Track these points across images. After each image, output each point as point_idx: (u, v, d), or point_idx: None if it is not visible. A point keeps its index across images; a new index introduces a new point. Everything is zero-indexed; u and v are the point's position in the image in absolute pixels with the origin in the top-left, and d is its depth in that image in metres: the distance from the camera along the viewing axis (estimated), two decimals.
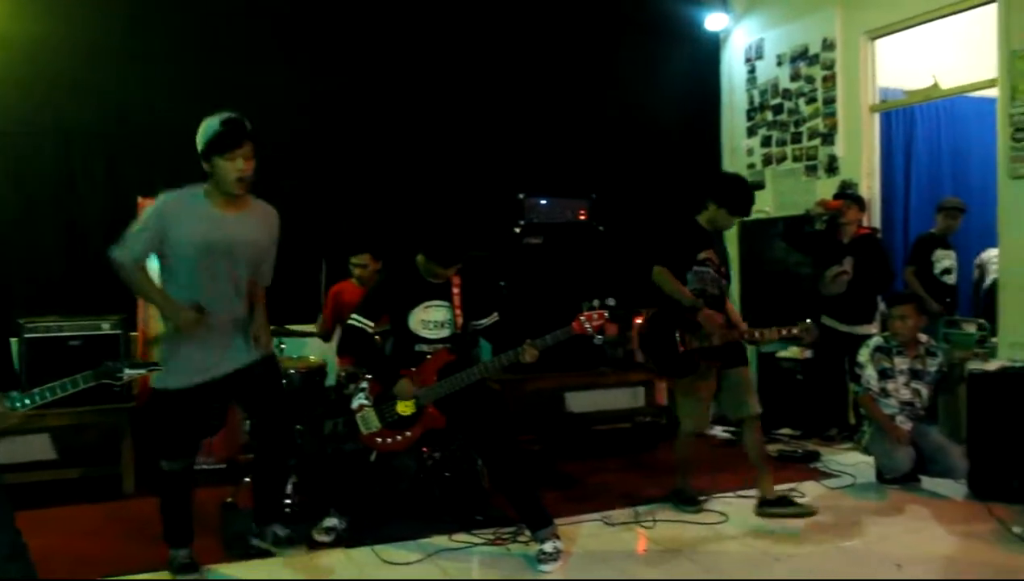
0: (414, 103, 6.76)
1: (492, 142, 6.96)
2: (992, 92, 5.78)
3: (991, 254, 6.94)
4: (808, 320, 4.67)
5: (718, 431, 6.40)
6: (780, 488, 4.94)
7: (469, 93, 6.94)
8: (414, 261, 4.25)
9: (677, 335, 4.66)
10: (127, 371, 3.03)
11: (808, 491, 5.13)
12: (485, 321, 4.38)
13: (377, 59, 6.66)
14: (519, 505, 4.21)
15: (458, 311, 4.25)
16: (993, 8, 5.63)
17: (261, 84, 6.16)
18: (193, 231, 3.67)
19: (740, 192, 4.76)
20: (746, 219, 7.11)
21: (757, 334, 4.71)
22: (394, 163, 6.66)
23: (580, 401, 6.40)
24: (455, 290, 4.26)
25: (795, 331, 4.64)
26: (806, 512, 4.62)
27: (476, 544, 4.33)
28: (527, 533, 4.22)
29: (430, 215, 5.67)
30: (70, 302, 5.58)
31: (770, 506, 4.69)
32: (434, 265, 4.15)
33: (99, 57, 5.89)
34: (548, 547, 4.05)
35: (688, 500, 4.85)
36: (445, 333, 4.26)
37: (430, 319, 4.24)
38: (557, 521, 4.28)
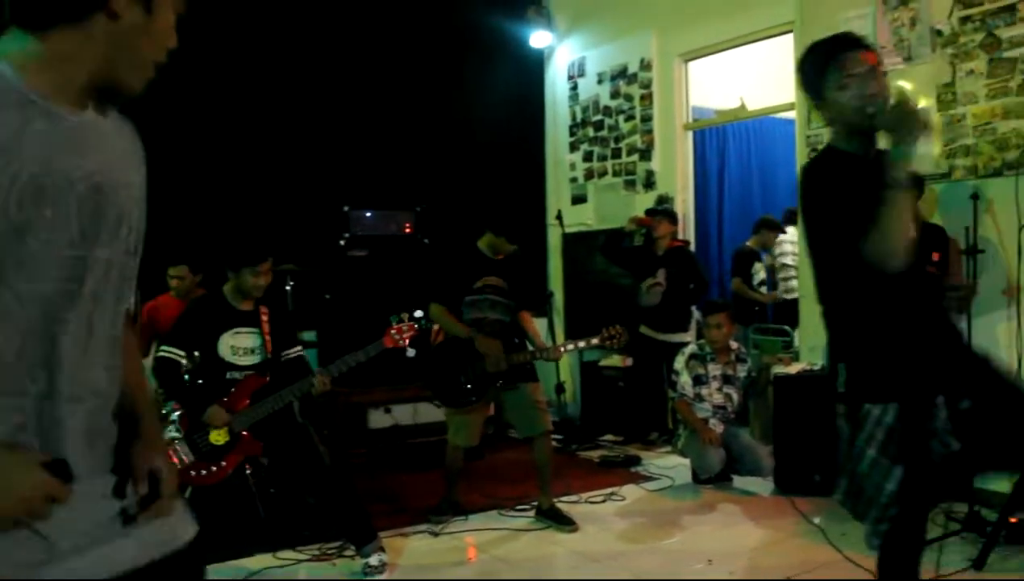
0: (236, 112, 6.56)
1: (317, 154, 6.86)
2: (793, 113, 6.17)
3: (783, 237, 7.43)
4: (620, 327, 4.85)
5: None
6: (602, 492, 5.18)
7: (293, 104, 6.80)
8: (220, 290, 4.25)
9: (462, 367, 4.72)
10: None
11: (628, 494, 5.31)
12: (289, 353, 4.40)
13: (198, 64, 6.41)
14: (342, 524, 4.20)
15: (267, 338, 4.24)
16: (791, 37, 6.01)
17: None
18: None
19: (509, 217, 4.92)
20: (568, 231, 7.36)
21: (542, 352, 4.84)
22: (215, 173, 6.44)
23: (403, 414, 6.38)
24: (264, 317, 4.26)
25: (581, 345, 4.85)
26: (569, 527, 4.71)
27: (301, 560, 4.26)
28: (353, 548, 4.18)
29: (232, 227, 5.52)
30: None
31: (544, 516, 4.83)
32: (245, 273, 4.11)
33: None
34: (374, 560, 4.03)
35: (443, 512, 4.91)
36: (256, 359, 4.24)
37: (240, 346, 4.21)
38: (383, 533, 4.28)
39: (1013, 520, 4.19)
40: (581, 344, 4.87)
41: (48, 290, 1.35)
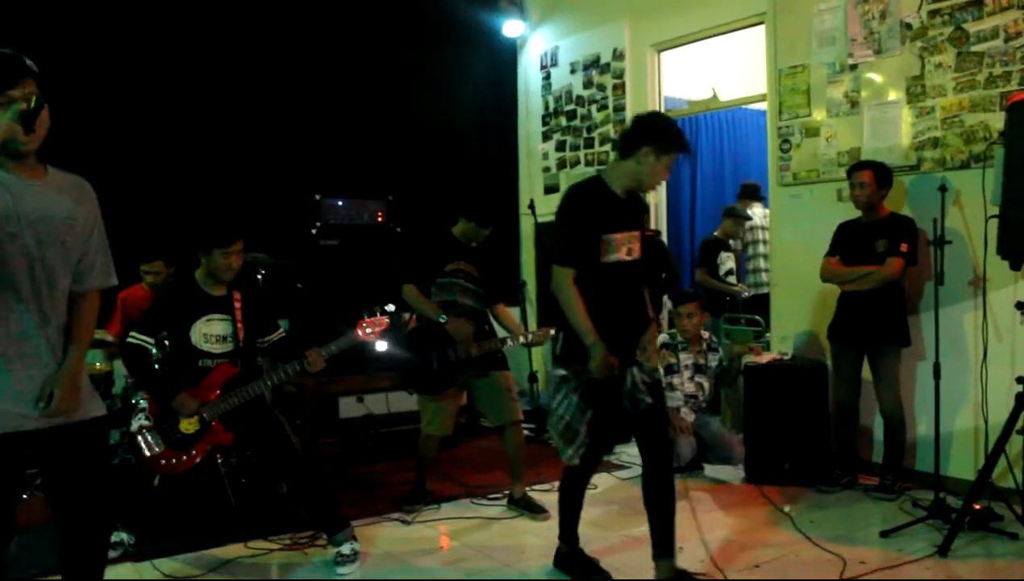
0: (207, 102, 6.49)
1: (288, 143, 6.79)
2: (765, 105, 6.21)
3: (754, 225, 7.48)
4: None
5: None
6: None
7: (264, 93, 6.74)
8: (192, 275, 4.20)
9: (432, 353, 4.73)
10: None
11: (601, 483, 5.33)
12: (272, 337, 4.38)
13: (166, 53, 6.35)
14: (313, 512, 4.19)
15: (240, 325, 4.19)
16: (762, 29, 6.04)
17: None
18: None
19: (482, 202, 4.95)
20: (541, 221, 7.37)
21: (526, 336, 4.86)
22: (186, 165, 6.37)
23: (376, 403, 6.37)
24: (236, 304, 4.22)
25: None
26: (542, 515, 4.74)
27: (273, 550, 4.26)
28: (325, 537, 4.18)
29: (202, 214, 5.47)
30: None
31: (516, 505, 4.87)
32: (216, 254, 4.08)
33: None
34: (345, 549, 4.04)
35: (416, 500, 4.93)
36: (228, 347, 4.20)
37: (212, 333, 4.17)
38: (356, 523, 4.30)
39: (977, 506, 4.27)
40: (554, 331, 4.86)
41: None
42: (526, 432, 6.22)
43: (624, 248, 3.59)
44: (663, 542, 3.65)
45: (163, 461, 4.09)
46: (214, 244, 4.08)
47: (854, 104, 5.45)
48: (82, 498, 2.66)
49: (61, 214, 2.59)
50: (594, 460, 3.84)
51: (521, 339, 4.84)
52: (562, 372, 3.65)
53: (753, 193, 7.54)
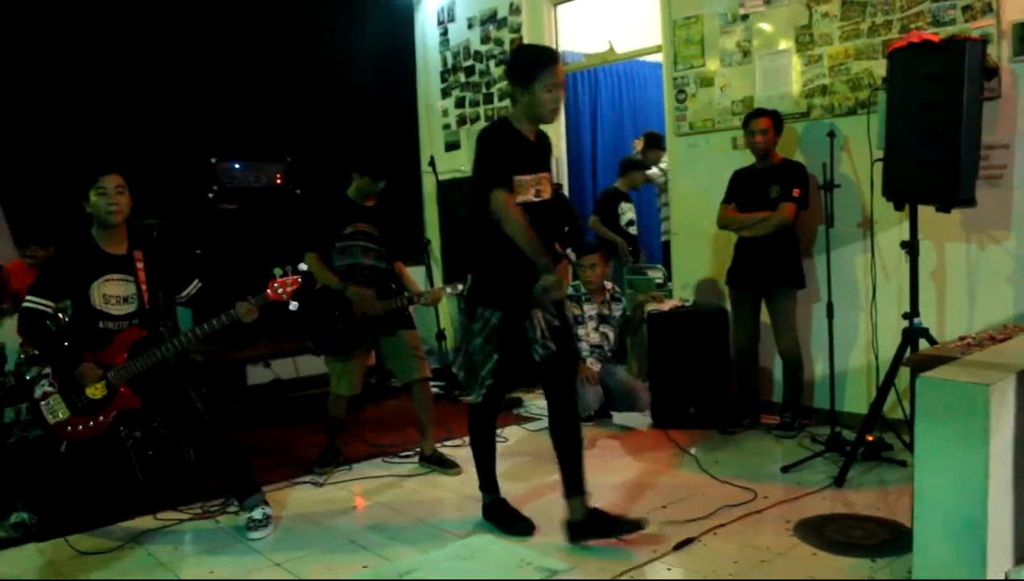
0: (91, 60, 6.20)
1: (180, 104, 6.57)
2: (660, 56, 6.27)
3: (654, 174, 7.62)
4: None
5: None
6: None
7: (154, 51, 6.48)
8: (89, 233, 3.99)
9: (336, 313, 4.71)
10: None
11: (511, 435, 5.42)
12: (189, 290, 4.24)
13: (58, 7, 6.02)
14: (223, 479, 4.16)
15: (143, 286, 4.04)
16: None
17: None
18: None
19: (373, 155, 4.91)
20: (443, 178, 7.34)
21: (420, 296, 4.82)
22: (70, 126, 6.10)
23: (283, 368, 6.31)
24: (138, 264, 4.04)
25: (459, 288, 4.85)
26: (453, 470, 4.80)
27: (183, 520, 4.20)
28: (236, 504, 4.14)
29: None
30: None
31: (427, 462, 4.91)
32: (92, 197, 3.90)
33: None
34: (257, 514, 4.01)
35: (327, 462, 4.94)
36: (131, 308, 4.02)
37: (112, 294, 3.98)
38: (267, 488, 4.28)
39: (870, 438, 4.48)
40: (460, 287, 4.87)
41: None
42: (435, 390, 6.26)
43: (533, 189, 3.62)
44: (573, 481, 3.71)
45: (69, 428, 3.95)
46: (87, 186, 3.88)
47: (746, 53, 5.55)
48: None
49: None
50: (497, 398, 3.90)
51: (415, 299, 4.81)
52: (469, 313, 3.74)
53: (658, 142, 7.63)
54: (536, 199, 3.64)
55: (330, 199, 4.87)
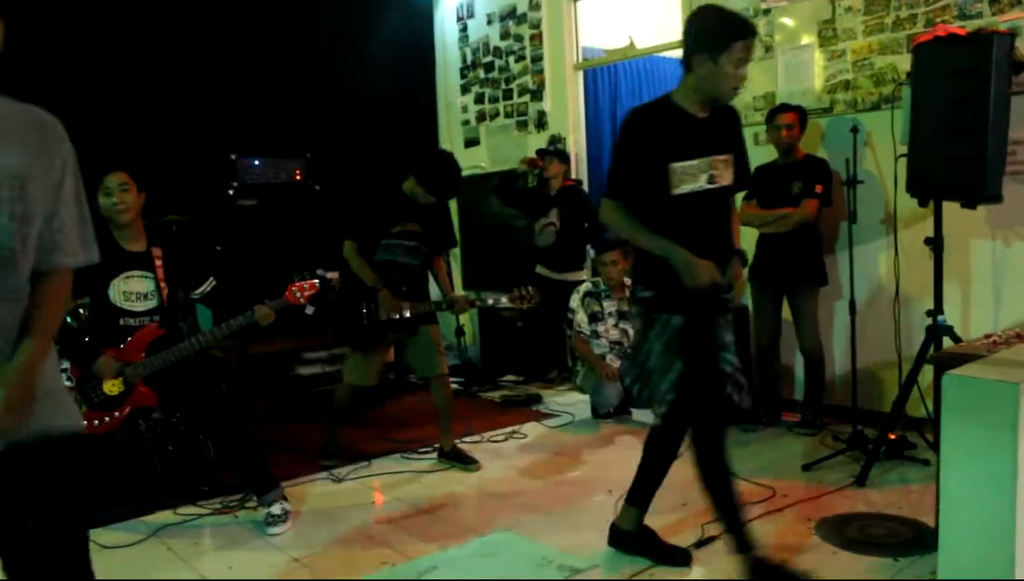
0: (114, 59, 6.23)
1: (200, 101, 6.58)
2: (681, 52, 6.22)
3: None
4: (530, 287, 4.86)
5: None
6: (504, 431, 5.24)
7: (174, 49, 6.50)
8: (108, 230, 3.98)
9: (364, 308, 4.68)
10: None
11: (530, 432, 5.40)
12: (203, 288, 4.24)
13: (80, 8, 6.05)
14: (242, 474, 4.16)
15: (162, 283, 4.05)
16: None
17: None
18: None
19: (440, 173, 4.65)
20: (462, 175, 7.31)
21: (449, 305, 4.75)
22: (97, 124, 6.11)
23: (305, 365, 6.31)
24: (157, 261, 4.05)
25: (490, 301, 4.84)
26: (473, 466, 4.78)
27: (203, 515, 4.20)
28: (255, 499, 4.15)
29: None
30: None
31: (446, 458, 4.88)
32: (99, 199, 3.88)
33: None
34: (276, 509, 4.00)
35: (331, 454, 4.93)
36: (151, 305, 4.04)
37: (132, 290, 4.01)
38: (286, 483, 4.27)
39: (892, 436, 4.43)
40: (490, 301, 4.85)
41: None
42: (454, 386, 6.26)
43: (704, 175, 3.11)
44: (641, 496, 3.50)
45: (85, 422, 3.97)
46: (94, 187, 3.87)
47: (768, 48, 5.51)
48: (35, 555, 1.93)
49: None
50: (682, 423, 3.28)
51: (443, 307, 4.73)
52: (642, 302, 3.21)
53: None
54: (710, 186, 3.13)
55: (387, 195, 4.74)
